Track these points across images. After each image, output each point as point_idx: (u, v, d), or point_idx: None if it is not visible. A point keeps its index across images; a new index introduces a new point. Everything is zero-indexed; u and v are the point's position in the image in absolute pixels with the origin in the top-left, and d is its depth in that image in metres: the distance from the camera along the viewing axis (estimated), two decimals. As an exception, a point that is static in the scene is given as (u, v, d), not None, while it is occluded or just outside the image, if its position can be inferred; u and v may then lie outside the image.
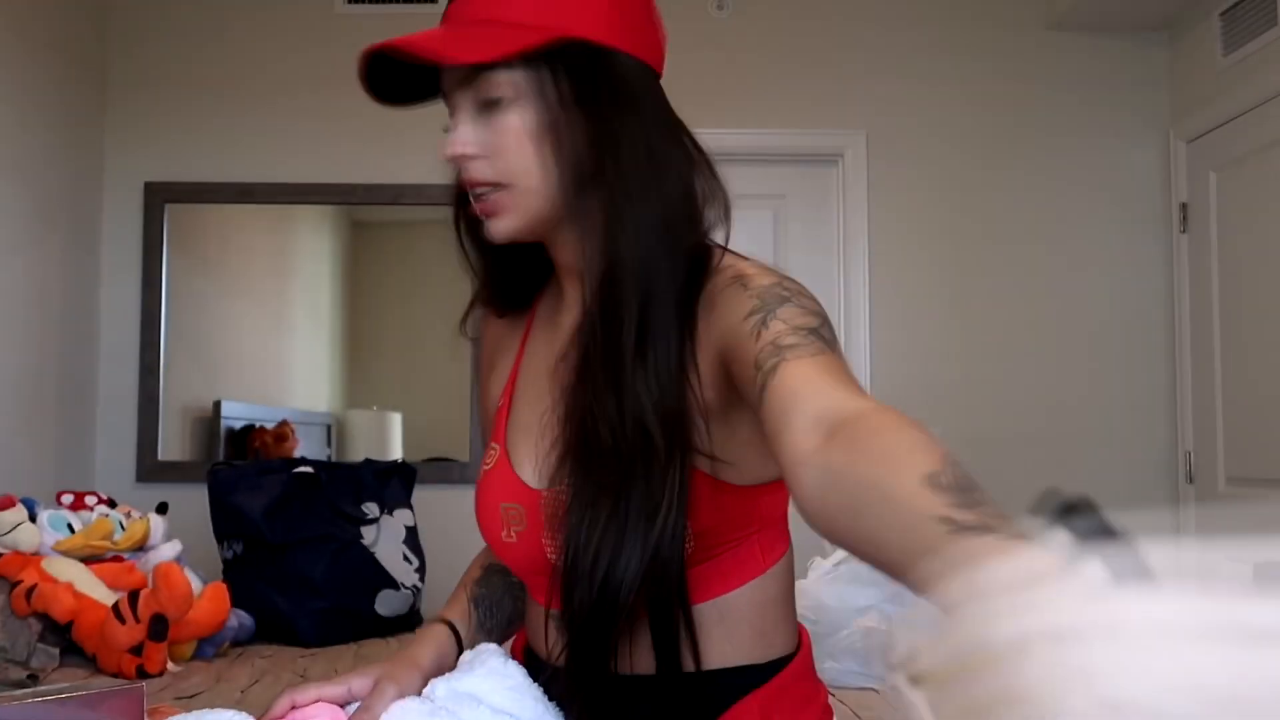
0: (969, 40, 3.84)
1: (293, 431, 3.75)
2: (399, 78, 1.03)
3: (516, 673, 0.99)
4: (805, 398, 0.77)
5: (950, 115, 3.82)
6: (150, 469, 3.68)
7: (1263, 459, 3.31)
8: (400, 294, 3.84)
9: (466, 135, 0.97)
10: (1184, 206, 3.72)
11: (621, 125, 0.94)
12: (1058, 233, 3.79)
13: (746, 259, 0.98)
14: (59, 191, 3.49)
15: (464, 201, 1.03)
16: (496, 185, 0.96)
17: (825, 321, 0.87)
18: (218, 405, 3.74)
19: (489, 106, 0.96)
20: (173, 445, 3.71)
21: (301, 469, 2.74)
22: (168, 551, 2.36)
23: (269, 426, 3.75)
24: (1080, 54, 3.82)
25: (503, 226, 0.98)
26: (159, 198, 3.75)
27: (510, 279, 1.10)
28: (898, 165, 3.80)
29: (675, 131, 0.99)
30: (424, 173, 3.75)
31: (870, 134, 3.79)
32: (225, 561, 2.71)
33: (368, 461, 3.02)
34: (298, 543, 2.61)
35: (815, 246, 3.80)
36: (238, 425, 3.75)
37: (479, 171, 0.97)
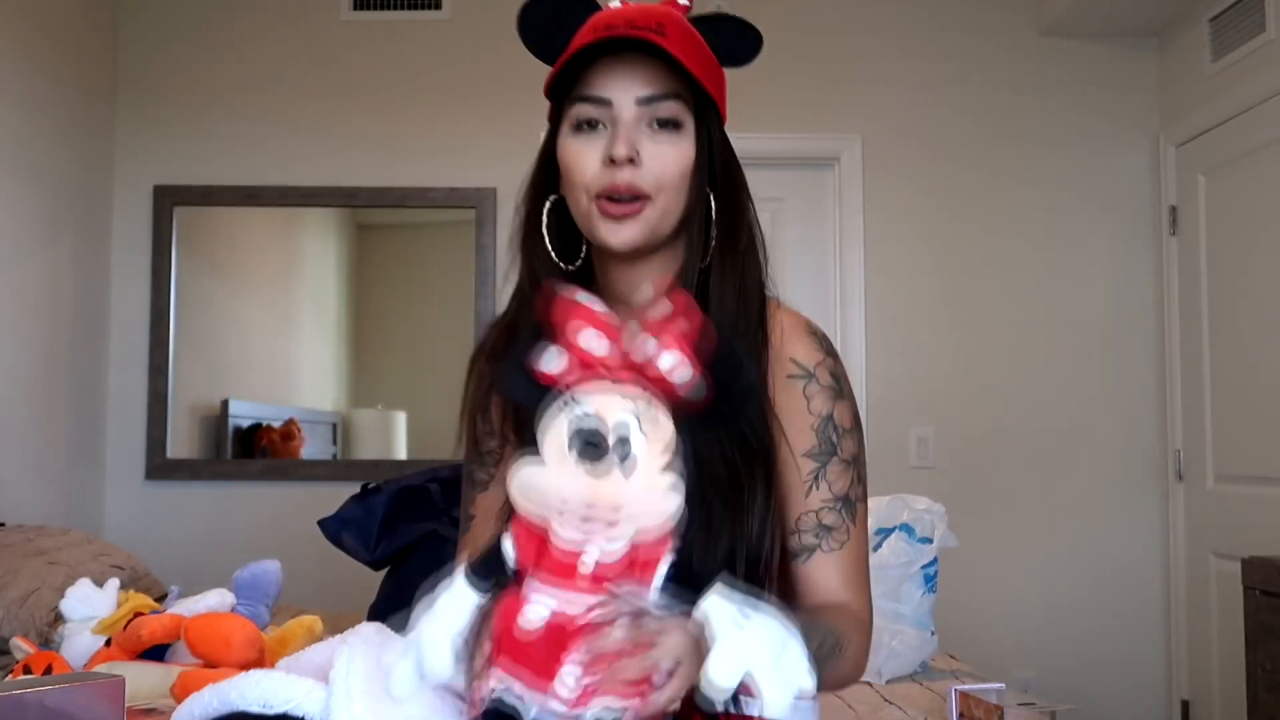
0: (962, 46, 3.90)
1: (299, 430, 3.81)
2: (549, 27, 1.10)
3: None
4: (818, 592, 1.08)
5: (944, 120, 3.87)
6: (159, 467, 3.74)
7: (1251, 457, 3.36)
8: (405, 295, 3.90)
9: (638, 141, 1.06)
10: (1173, 210, 3.78)
11: (740, 188, 1.13)
12: (1049, 235, 3.85)
13: (786, 311, 1.16)
14: (70, 194, 3.55)
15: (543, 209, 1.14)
16: (642, 196, 1.05)
17: (858, 437, 1.13)
18: (225, 404, 3.80)
19: (666, 126, 1.07)
20: (181, 443, 3.77)
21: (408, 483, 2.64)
22: (212, 600, 1.99)
23: (276, 425, 3.81)
24: (1071, 60, 3.88)
25: (632, 233, 1.07)
26: (168, 201, 3.80)
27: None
28: (892, 169, 3.86)
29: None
30: (428, 176, 3.81)
31: (865, 138, 3.85)
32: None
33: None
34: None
35: (811, 248, 3.86)
36: (245, 424, 3.81)
37: (636, 178, 1.05)
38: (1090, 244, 3.86)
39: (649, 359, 0.81)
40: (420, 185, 3.79)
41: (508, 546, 0.81)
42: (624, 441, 0.78)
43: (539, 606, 0.78)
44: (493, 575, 0.81)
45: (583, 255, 1.14)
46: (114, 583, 2.09)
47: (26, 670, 1.74)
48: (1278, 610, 2.64)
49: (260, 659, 1.73)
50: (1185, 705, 3.66)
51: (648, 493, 0.78)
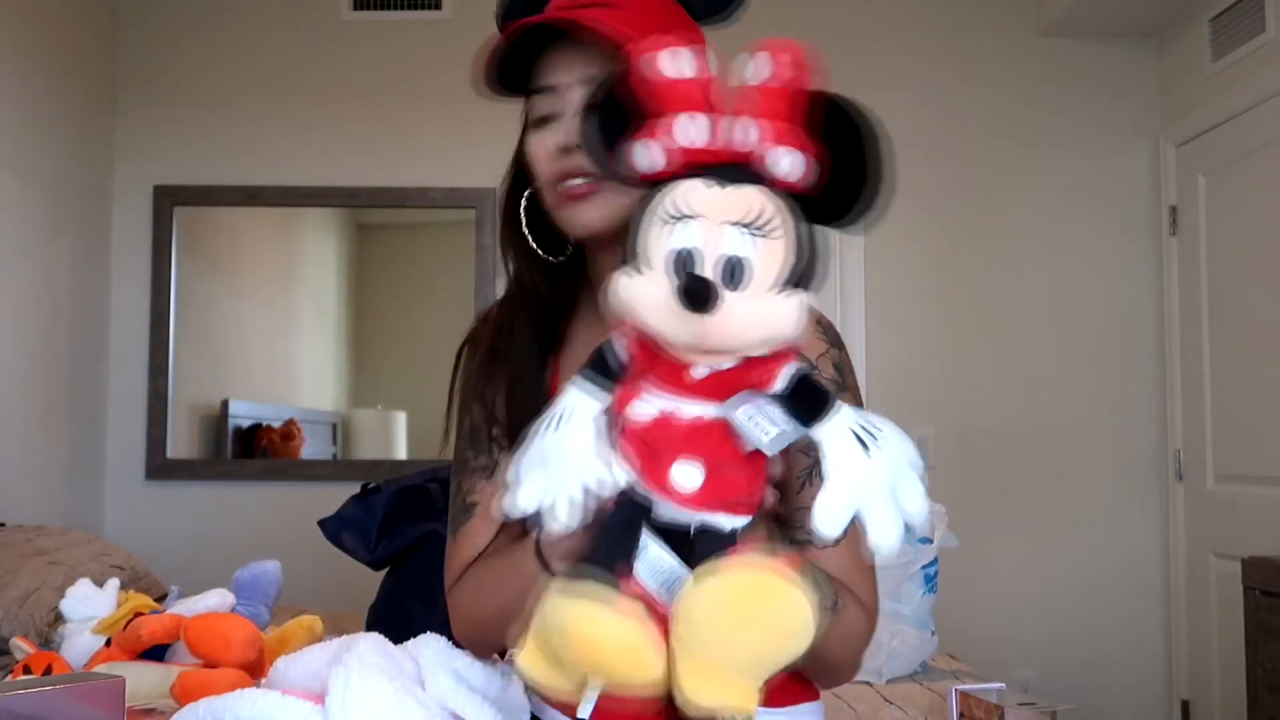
0: (962, 46, 3.90)
1: (300, 430, 3.81)
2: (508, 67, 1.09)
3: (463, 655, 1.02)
4: None
5: (943, 120, 3.87)
6: (159, 467, 3.74)
7: (1251, 457, 3.36)
8: (404, 295, 3.90)
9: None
10: (1173, 209, 3.78)
11: None
12: (1049, 235, 3.85)
13: None
14: (70, 194, 3.55)
15: (523, 208, 1.12)
16: (594, 176, 1.02)
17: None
18: (225, 404, 3.80)
19: None
20: (181, 444, 3.77)
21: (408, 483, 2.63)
22: (212, 600, 1.97)
23: (276, 425, 3.81)
24: (1072, 60, 3.88)
25: (592, 215, 1.04)
26: (168, 201, 3.81)
27: (551, 291, 1.15)
28: (892, 168, 3.85)
29: None
30: (428, 176, 3.81)
31: (866, 138, 3.84)
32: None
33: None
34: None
35: (812, 248, 3.85)
36: (245, 424, 3.81)
37: (585, 161, 1.00)
38: (1090, 243, 3.86)
39: (752, 150, 0.74)
40: (420, 185, 3.79)
41: (619, 348, 0.77)
42: (733, 263, 0.71)
43: (648, 405, 0.75)
44: (608, 377, 0.77)
45: (569, 249, 1.13)
46: (114, 583, 2.09)
47: (26, 670, 1.74)
48: (1278, 610, 2.64)
49: (260, 659, 1.72)
50: (1185, 705, 3.66)
51: (763, 322, 0.71)
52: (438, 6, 3.85)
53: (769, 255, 0.72)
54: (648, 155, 0.76)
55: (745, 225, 0.72)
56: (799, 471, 1.02)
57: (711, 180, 0.74)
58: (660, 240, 0.74)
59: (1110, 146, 3.88)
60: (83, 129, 3.64)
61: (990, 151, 3.87)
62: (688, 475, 0.73)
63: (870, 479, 0.72)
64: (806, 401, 0.74)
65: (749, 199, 0.73)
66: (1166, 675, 3.75)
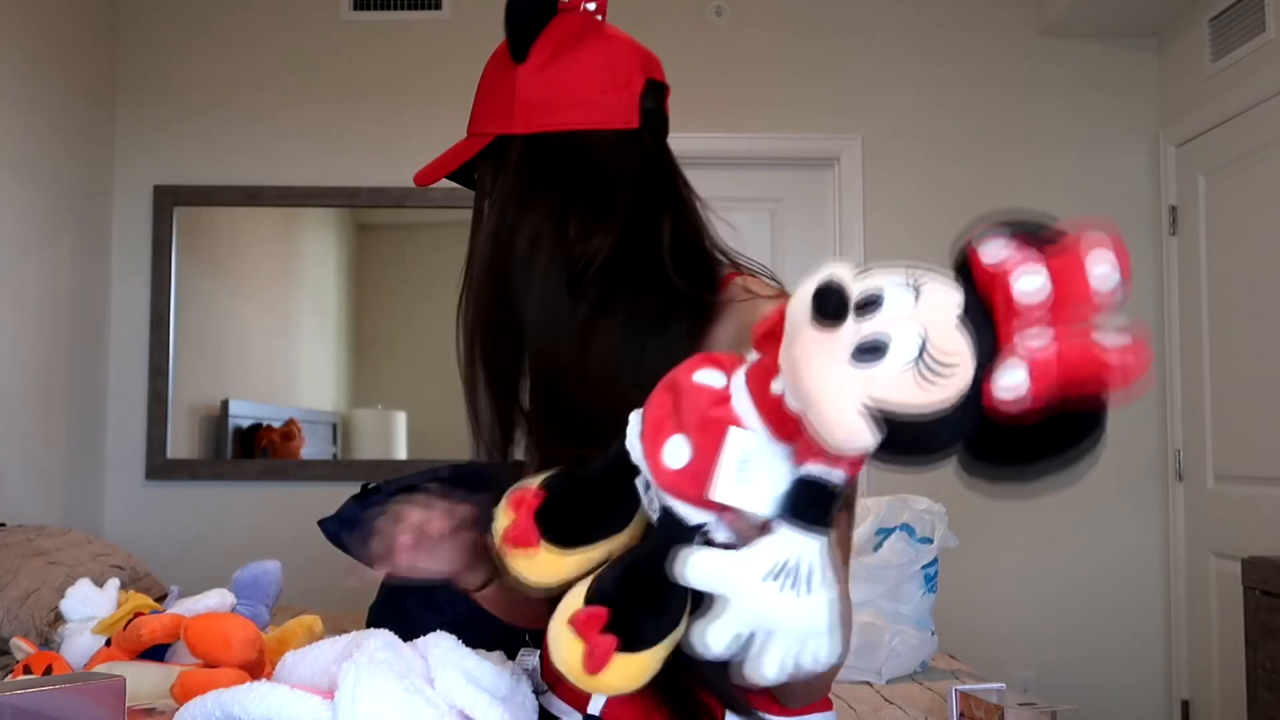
0: (962, 46, 3.90)
1: (300, 430, 3.81)
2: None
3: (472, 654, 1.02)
4: None
5: (943, 120, 3.88)
6: (159, 467, 3.74)
7: (1251, 457, 3.36)
8: (404, 295, 3.90)
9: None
10: (1173, 209, 3.78)
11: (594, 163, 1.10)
12: (1050, 235, 3.85)
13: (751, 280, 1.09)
14: (70, 195, 3.55)
15: None
16: None
17: None
18: (225, 404, 3.80)
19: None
20: (181, 444, 3.77)
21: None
22: (212, 600, 1.96)
23: (276, 425, 3.81)
24: (1071, 60, 3.89)
25: None
26: (168, 201, 3.81)
27: None
28: (892, 168, 3.86)
29: None
30: (428, 176, 3.81)
31: (865, 138, 3.85)
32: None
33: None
34: None
35: (811, 249, 3.86)
36: (245, 424, 3.81)
37: None
38: (1090, 244, 3.85)
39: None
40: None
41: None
42: (880, 345, 0.61)
43: (711, 377, 0.73)
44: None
45: None
46: (114, 583, 2.09)
47: (26, 670, 1.74)
48: (1278, 610, 2.64)
49: (260, 659, 1.72)
50: (1185, 705, 3.67)
51: (832, 408, 0.61)
52: (438, 6, 3.85)
53: (922, 385, 0.62)
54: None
55: (924, 340, 0.62)
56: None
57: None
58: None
59: (1110, 146, 3.88)
60: (83, 129, 3.64)
61: (989, 152, 3.87)
62: (677, 451, 0.71)
63: (776, 618, 0.66)
64: (802, 502, 0.68)
65: (956, 335, 0.62)
66: (1166, 675, 3.75)
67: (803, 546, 0.66)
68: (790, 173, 3.87)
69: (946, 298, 0.64)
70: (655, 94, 1.07)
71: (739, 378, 0.72)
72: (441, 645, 1.00)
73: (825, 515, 0.68)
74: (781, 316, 0.69)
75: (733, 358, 0.75)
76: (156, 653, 1.83)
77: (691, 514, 0.72)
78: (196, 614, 1.82)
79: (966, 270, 0.67)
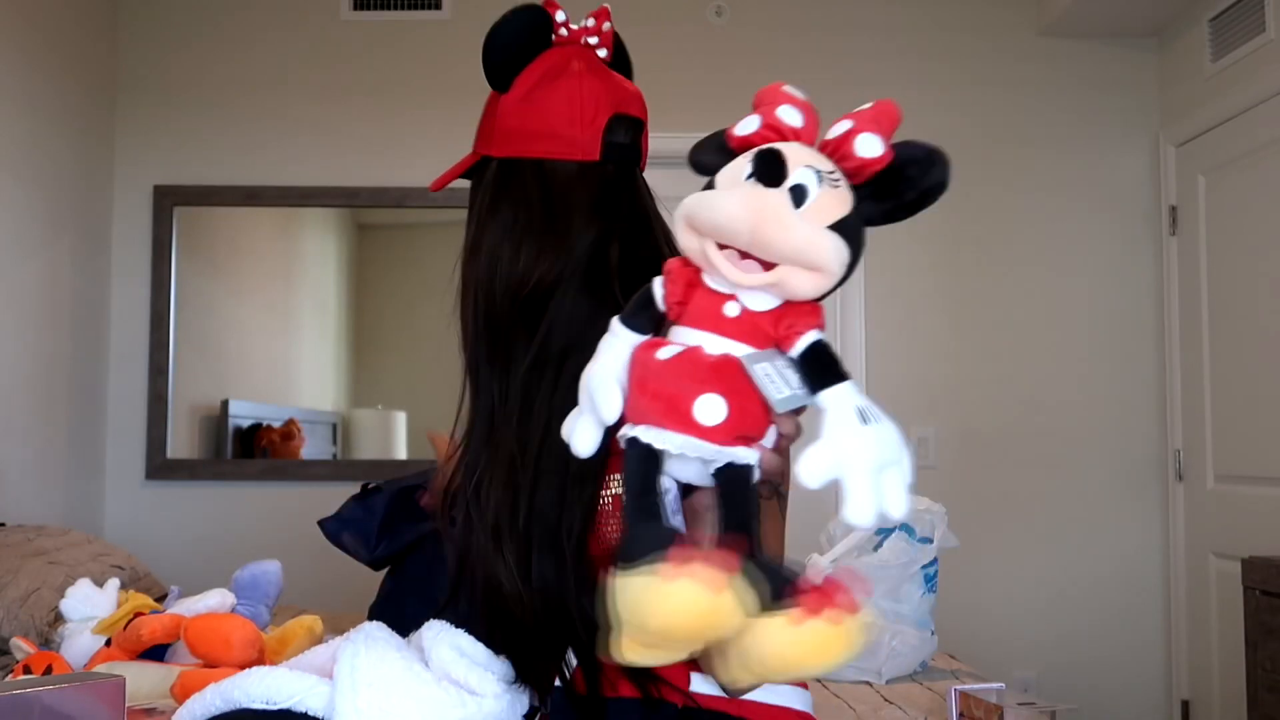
0: (962, 47, 3.90)
1: (299, 430, 3.81)
2: None
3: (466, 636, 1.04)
4: None
5: (943, 120, 3.86)
6: (159, 467, 3.74)
7: (1251, 457, 3.36)
8: (404, 295, 3.89)
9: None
10: (1173, 209, 3.78)
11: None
12: (1049, 235, 3.85)
13: None
14: (70, 195, 3.55)
15: None
16: None
17: None
18: (225, 404, 3.80)
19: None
20: (181, 444, 3.77)
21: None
22: (212, 600, 1.95)
23: (276, 425, 3.81)
24: (1071, 60, 3.89)
25: None
26: (168, 201, 3.81)
27: None
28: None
29: None
30: (428, 176, 3.80)
31: (866, 138, 3.85)
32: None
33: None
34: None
35: (812, 248, 3.85)
36: (245, 424, 3.81)
37: None
38: (1090, 243, 3.86)
39: (842, 135, 0.81)
40: (420, 185, 3.77)
41: (658, 286, 0.82)
42: (801, 187, 0.77)
43: (676, 346, 0.78)
44: (645, 315, 0.82)
45: None
46: (114, 583, 2.09)
47: (26, 670, 1.74)
48: (1278, 610, 2.64)
49: (260, 659, 1.73)
50: (1185, 705, 3.67)
51: (813, 237, 0.75)
52: (438, 6, 3.85)
53: (829, 199, 0.77)
54: (749, 124, 0.83)
55: (817, 170, 0.78)
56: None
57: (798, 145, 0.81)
58: (743, 160, 0.79)
59: (1110, 146, 3.88)
60: (83, 129, 3.64)
61: (990, 152, 3.87)
62: (711, 408, 0.76)
63: (860, 451, 0.73)
64: (820, 369, 0.77)
65: (829, 161, 0.80)
66: (1166, 675, 3.75)
67: (848, 392, 0.76)
68: (790, 173, 3.86)
69: (803, 149, 0.81)
70: (626, 128, 1.16)
71: (692, 331, 0.79)
72: (434, 627, 1.03)
73: (838, 365, 0.77)
74: (682, 264, 0.80)
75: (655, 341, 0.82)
76: (156, 653, 1.83)
77: (744, 455, 0.77)
78: (196, 614, 1.83)
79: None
